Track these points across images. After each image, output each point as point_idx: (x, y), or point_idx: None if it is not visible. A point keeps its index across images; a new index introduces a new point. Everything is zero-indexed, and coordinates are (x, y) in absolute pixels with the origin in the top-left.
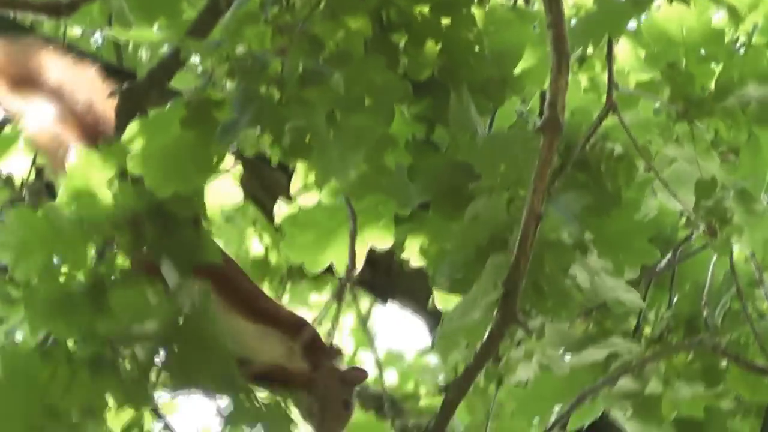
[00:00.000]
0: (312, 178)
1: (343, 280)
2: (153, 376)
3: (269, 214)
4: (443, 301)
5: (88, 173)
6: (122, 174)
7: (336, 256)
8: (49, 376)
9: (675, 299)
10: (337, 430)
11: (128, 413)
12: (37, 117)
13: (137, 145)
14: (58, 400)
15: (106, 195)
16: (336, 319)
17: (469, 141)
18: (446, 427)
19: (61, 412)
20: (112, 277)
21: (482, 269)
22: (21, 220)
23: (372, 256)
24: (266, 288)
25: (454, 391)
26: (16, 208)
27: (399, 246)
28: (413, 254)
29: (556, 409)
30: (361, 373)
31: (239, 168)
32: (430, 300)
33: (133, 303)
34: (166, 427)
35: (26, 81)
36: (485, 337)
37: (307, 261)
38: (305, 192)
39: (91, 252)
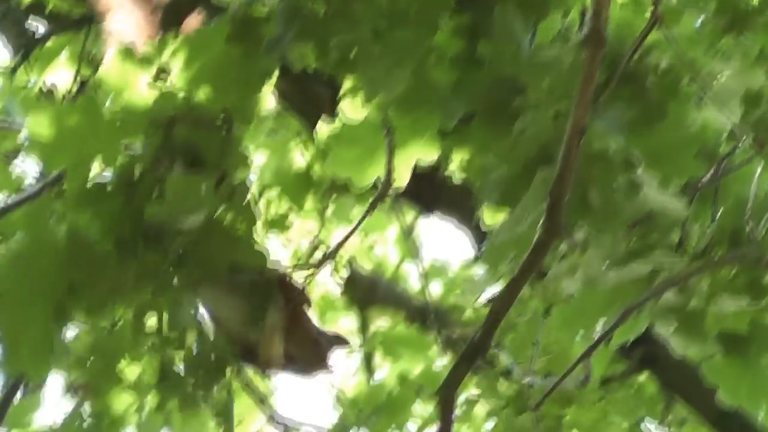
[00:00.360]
0: (358, 93)
1: (381, 193)
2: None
3: (312, 127)
4: (489, 215)
5: (125, 71)
6: (159, 74)
7: (381, 171)
8: (73, 255)
9: (719, 213)
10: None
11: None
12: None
13: (182, 61)
14: (82, 277)
15: (142, 94)
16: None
17: (514, 54)
18: (491, 339)
19: (83, 291)
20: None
21: (529, 184)
22: (56, 114)
23: (416, 167)
24: (310, 201)
25: (499, 303)
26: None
27: (444, 159)
28: (457, 168)
29: (600, 323)
30: (340, 341)
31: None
32: (476, 214)
33: (186, 191)
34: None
35: None
36: (530, 249)
37: (353, 176)
38: (351, 108)
39: (123, 149)
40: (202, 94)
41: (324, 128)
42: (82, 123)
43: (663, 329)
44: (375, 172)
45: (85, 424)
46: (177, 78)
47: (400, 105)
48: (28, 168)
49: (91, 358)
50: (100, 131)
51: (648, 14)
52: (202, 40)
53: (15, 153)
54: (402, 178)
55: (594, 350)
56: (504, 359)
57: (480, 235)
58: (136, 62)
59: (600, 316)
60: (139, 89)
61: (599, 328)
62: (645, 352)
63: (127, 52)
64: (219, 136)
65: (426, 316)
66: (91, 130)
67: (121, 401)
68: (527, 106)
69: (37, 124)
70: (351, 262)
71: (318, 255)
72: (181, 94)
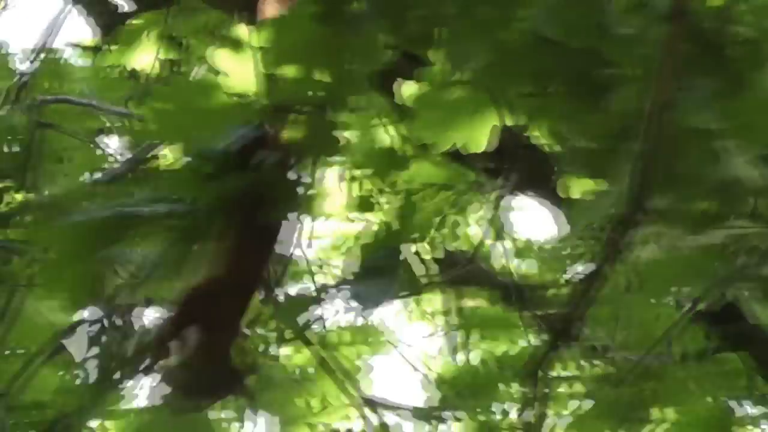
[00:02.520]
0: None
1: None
2: None
3: (394, 103)
4: (572, 187)
5: (234, 57)
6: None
7: (465, 134)
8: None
9: None
10: None
11: None
12: None
13: (271, 43)
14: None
15: (249, 80)
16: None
17: (598, 26)
18: (578, 318)
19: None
20: None
21: (615, 158)
22: (178, 90)
23: (501, 144)
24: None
25: (586, 282)
26: (178, 79)
27: (527, 130)
28: (540, 136)
29: (679, 291)
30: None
31: None
32: (558, 185)
33: None
34: None
35: None
36: (614, 225)
37: (436, 139)
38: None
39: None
40: (295, 79)
41: (407, 90)
42: (199, 102)
43: (745, 299)
44: (459, 135)
45: None
46: (266, 62)
47: (483, 75)
48: (111, 148)
49: None
50: (215, 114)
51: None
52: (290, 20)
53: (99, 132)
54: (483, 144)
55: (679, 325)
56: (588, 334)
57: (565, 213)
58: (242, 48)
59: (680, 284)
60: (247, 75)
61: (680, 299)
62: (732, 330)
63: (235, 39)
64: (322, 121)
65: (511, 295)
66: (208, 110)
67: None
68: (614, 80)
69: (157, 97)
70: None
71: None
72: (286, 80)
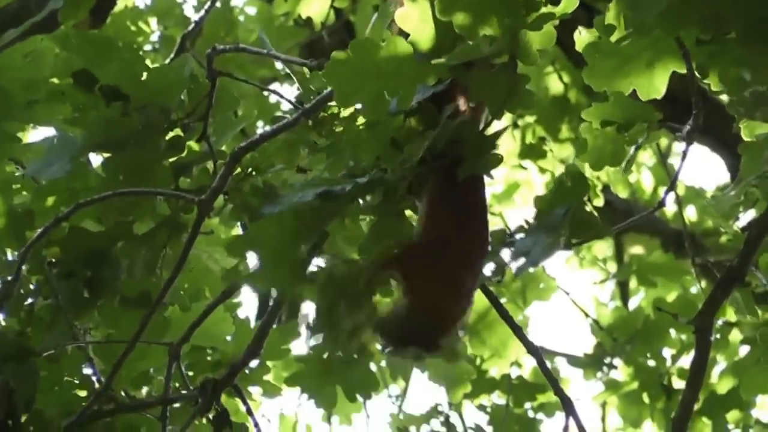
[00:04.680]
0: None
1: (694, 125)
2: None
3: (567, 52)
4: (744, 133)
5: (420, 14)
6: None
7: (638, 83)
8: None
9: None
10: None
11: None
12: None
13: None
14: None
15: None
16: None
17: None
18: (748, 265)
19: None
20: None
21: None
22: (363, 49)
23: (671, 92)
24: (565, 127)
25: (757, 230)
26: (359, 39)
27: (701, 75)
28: (715, 82)
29: None
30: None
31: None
32: (731, 132)
33: None
34: None
35: None
36: None
37: (609, 88)
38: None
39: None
40: (474, 24)
41: (582, 37)
42: (384, 61)
43: None
44: (631, 84)
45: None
46: (441, 7)
47: (661, 21)
48: (283, 96)
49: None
50: (402, 71)
51: None
52: None
53: (270, 81)
54: (660, 91)
55: None
56: (760, 280)
57: (734, 159)
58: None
59: None
60: (428, 31)
61: None
62: None
63: None
64: (506, 76)
65: (681, 242)
66: (394, 68)
67: None
68: None
69: (338, 60)
70: (605, 189)
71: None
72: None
